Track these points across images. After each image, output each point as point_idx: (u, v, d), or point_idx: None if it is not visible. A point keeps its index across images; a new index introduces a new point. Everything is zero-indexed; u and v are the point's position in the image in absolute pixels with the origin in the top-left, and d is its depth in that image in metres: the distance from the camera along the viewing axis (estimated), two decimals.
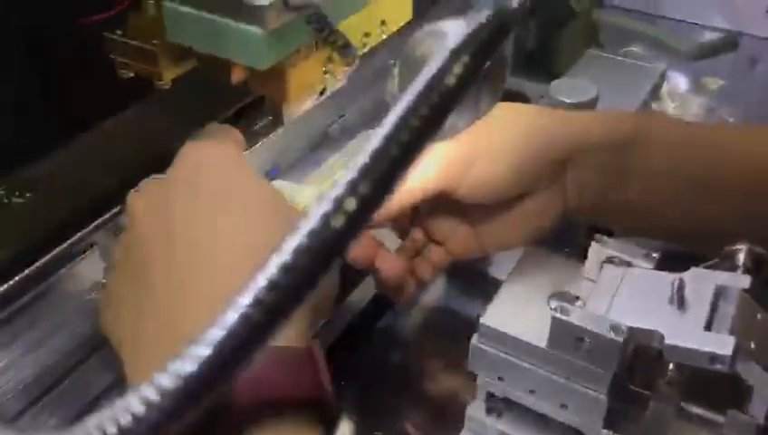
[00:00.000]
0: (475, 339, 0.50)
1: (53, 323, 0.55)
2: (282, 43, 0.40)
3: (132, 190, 0.46)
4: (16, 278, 0.54)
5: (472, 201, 0.52)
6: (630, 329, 0.44)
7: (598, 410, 0.47)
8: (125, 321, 0.41)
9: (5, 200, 0.53)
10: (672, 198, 0.53)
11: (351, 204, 0.16)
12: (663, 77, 0.79)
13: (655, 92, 0.78)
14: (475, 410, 0.52)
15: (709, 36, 1.01)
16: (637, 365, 0.50)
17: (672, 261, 0.51)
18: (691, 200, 0.53)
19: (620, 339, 0.44)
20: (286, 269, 0.17)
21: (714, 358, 0.42)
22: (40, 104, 0.58)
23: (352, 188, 0.16)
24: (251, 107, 0.62)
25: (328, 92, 0.52)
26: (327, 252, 0.17)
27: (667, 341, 0.44)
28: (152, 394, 0.18)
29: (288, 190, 0.54)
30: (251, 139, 0.59)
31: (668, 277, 0.47)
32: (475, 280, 0.68)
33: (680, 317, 0.45)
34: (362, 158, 0.16)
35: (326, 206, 0.16)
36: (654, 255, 0.50)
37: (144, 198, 0.44)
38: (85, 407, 0.56)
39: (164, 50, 0.45)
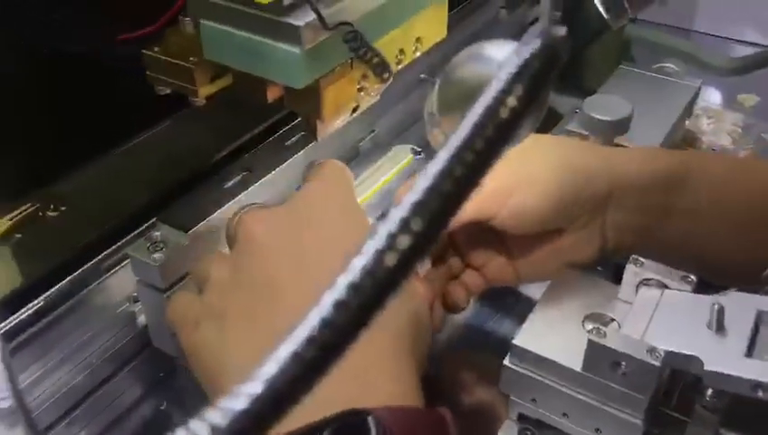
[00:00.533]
0: (507, 360, 0.50)
1: (86, 336, 0.55)
2: (318, 61, 0.40)
3: (235, 214, 0.49)
4: (50, 291, 0.54)
5: (509, 230, 0.51)
6: (668, 353, 0.44)
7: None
8: (233, 336, 0.42)
9: (40, 214, 0.53)
10: (712, 235, 0.53)
11: (405, 241, 0.16)
12: (697, 93, 0.78)
13: (689, 109, 0.77)
14: (507, 432, 0.51)
15: (743, 51, 1.00)
16: (674, 389, 0.49)
17: (709, 284, 0.50)
18: (731, 237, 0.52)
19: (658, 363, 0.43)
20: (339, 307, 0.16)
21: (757, 386, 0.41)
22: (74, 119, 0.58)
23: (405, 224, 0.16)
24: (284, 121, 0.62)
25: (361, 109, 0.51)
26: (380, 290, 0.16)
27: (707, 367, 0.43)
28: (203, 432, 0.18)
29: None
30: (283, 153, 0.59)
31: (706, 300, 0.46)
32: (507, 298, 0.67)
33: (720, 342, 0.44)
34: (416, 194, 0.16)
35: (379, 243, 0.16)
36: (691, 277, 0.49)
37: (266, 224, 0.45)
38: (114, 421, 0.56)
39: (200, 67, 0.45)
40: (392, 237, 0.16)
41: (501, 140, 0.16)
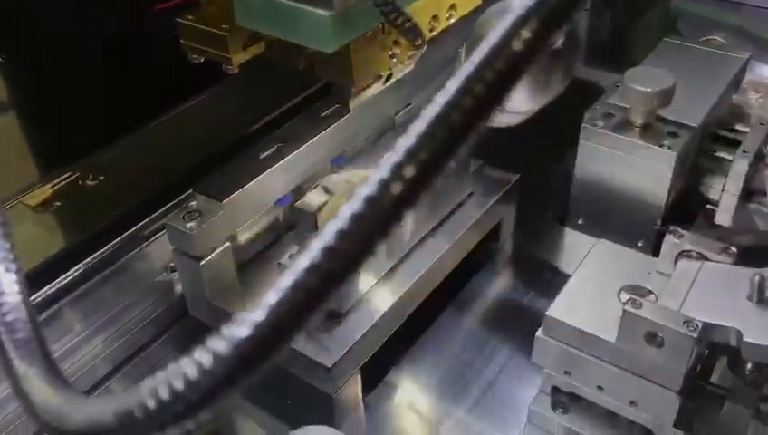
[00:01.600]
0: (540, 332, 0.49)
1: (123, 304, 0.57)
2: (348, 25, 0.40)
3: None
4: (89, 259, 0.55)
5: None
6: (706, 325, 0.43)
7: (669, 408, 0.45)
8: None
9: (79, 183, 0.54)
10: None
11: (410, 171, 0.16)
12: (745, 66, 0.75)
13: (737, 83, 0.75)
14: (539, 405, 0.51)
15: None
16: (713, 364, 0.48)
17: (751, 257, 0.49)
18: None
19: (695, 335, 0.42)
20: (341, 235, 0.16)
21: None
22: (114, 91, 0.59)
23: (410, 155, 0.16)
24: (318, 94, 0.62)
25: (394, 78, 0.51)
26: (383, 219, 0.16)
27: (746, 338, 0.42)
28: (206, 359, 0.18)
29: (353, 176, 0.54)
30: (318, 125, 0.59)
31: (748, 273, 0.45)
32: (544, 274, 0.66)
33: (760, 314, 0.43)
34: (422, 123, 0.16)
35: (384, 173, 0.16)
36: (732, 249, 0.48)
37: None
38: None
39: (233, 35, 0.45)
40: (398, 167, 0.16)
41: (513, 71, 0.15)
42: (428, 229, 0.59)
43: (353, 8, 0.40)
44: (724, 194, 0.69)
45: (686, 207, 0.71)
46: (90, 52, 0.59)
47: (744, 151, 0.67)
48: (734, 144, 0.70)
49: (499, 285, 0.66)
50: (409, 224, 0.54)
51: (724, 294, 0.45)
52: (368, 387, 0.56)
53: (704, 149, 0.73)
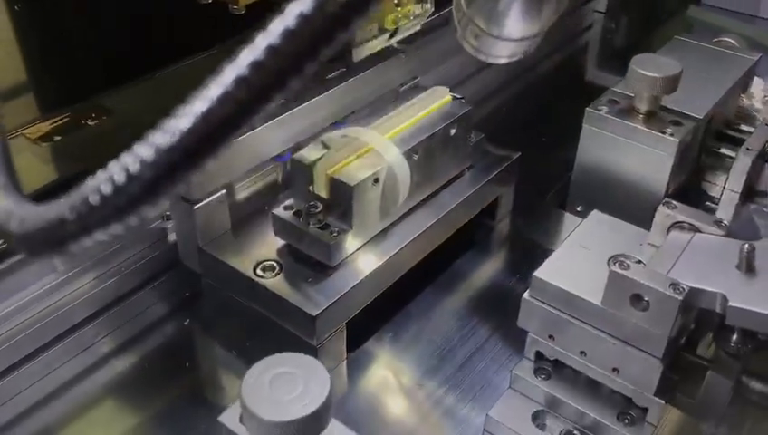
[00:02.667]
0: (527, 294, 0.49)
1: (117, 245, 0.57)
2: None
3: None
4: None
5: None
6: (692, 289, 0.42)
7: (651, 376, 0.45)
8: None
9: (81, 121, 0.55)
10: None
11: None
12: (754, 68, 0.75)
13: (744, 83, 0.75)
14: (522, 370, 0.51)
15: None
16: (697, 338, 0.48)
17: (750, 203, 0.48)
18: None
19: (680, 297, 0.42)
20: (270, 51, 0.17)
21: None
22: (126, 38, 0.60)
23: None
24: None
25: (401, 36, 0.51)
26: (314, 39, 0.17)
27: (731, 303, 0.41)
28: (147, 152, 0.19)
29: (351, 132, 0.54)
30: (325, 86, 0.59)
31: (738, 245, 0.45)
32: (537, 258, 0.66)
33: (747, 283, 0.43)
34: None
35: None
36: (724, 222, 0.48)
37: None
38: (139, 334, 0.57)
39: None
40: None
41: None
42: (423, 196, 0.59)
43: None
44: (726, 191, 0.69)
45: (687, 204, 0.71)
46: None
47: (747, 149, 0.67)
48: (738, 143, 0.70)
49: (490, 264, 0.65)
50: (404, 188, 0.54)
51: (713, 263, 0.45)
52: (348, 351, 0.56)
53: (707, 146, 0.72)
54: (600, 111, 0.66)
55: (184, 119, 0.18)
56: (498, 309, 0.60)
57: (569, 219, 0.70)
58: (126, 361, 0.55)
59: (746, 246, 0.43)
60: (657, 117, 0.65)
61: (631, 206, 0.66)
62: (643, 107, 0.65)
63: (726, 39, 0.80)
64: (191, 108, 0.18)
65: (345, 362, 0.55)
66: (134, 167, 0.19)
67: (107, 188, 0.19)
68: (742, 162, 0.66)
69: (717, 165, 0.72)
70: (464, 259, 0.65)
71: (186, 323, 0.58)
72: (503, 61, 0.36)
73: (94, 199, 0.19)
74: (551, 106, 0.88)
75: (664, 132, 0.63)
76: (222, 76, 0.18)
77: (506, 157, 0.65)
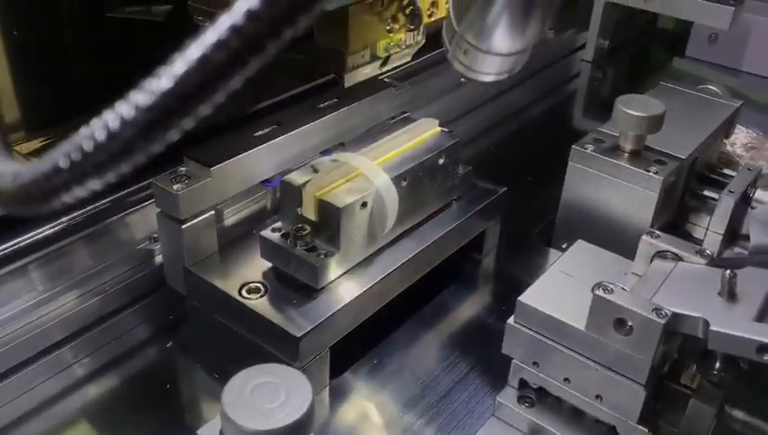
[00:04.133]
0: (511, 319, 0.49)
1: (102, 265, 0.57)
2: None
3: None
4: (72, 215, 0.56)
5: None
6: (674, 314, 0.43)
7: (634, 402, 0.45)
8: None
9: None
10: None
11: None
12: (736, 114, 0.77)
13: (727, 128, 0.77)
14: (506, 398, 0.50)
15: None
16: (680, 366, 0.48)
17: (727, 261, 0.49)
18: None
19: (663, 321, 0.42)
20: (250, 16, 0.17)
21: (762, 347, 0.40)
22: (119, 59, 0.61)
23: None
24: (320, 87, 0.64)
25: (392, 65, 0.52)
26: (293, 5, 0.17)
27: (713, 327, 0.42)
28: (127, 110, 0.19)
29: (341, 157, 0.55)
30: (314, 114, 0.60)
31: (720, 272, 0.45)
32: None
33: (729, 308, 0.43)
34: None
35: None
36: (708, 251, 0.48)
37: None
38: (120, 356, 0.57)
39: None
40: None
41: None
42: (411, 225, 0.60)
43: None
44: (709, 233, 0.69)
45: None
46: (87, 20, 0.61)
47: (729, 192, 0.68)
48: (720, 186, 0.71)
49: (475, 297, 0.65)
50: (392, 214, 0.55)
51: (695, 290, 0.45)
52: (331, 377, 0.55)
53: (691, 188, 0.74)
54: (585, 149, 0.67)
55: (178, 64, 0.19)
56: (482, 341, 0.60)
57: (554, 256, 0.70)
58: (106, 383, 0.54)
59: (728, 272, 0.44)
60: (641, 156, 0.66)
61: (616, 243, 0.66)
62: (628, 146, 0.66)
63: (710, 87, 0.82)
64: (186, 55, 0.19)
65: (328, 387, 0.55)
66: (128, 113, 0.19)
67: (101, 135, 0.20)
68: (724, 204, 0.67)
69: (701, 207, 0.74)
70: (450, 291, 0.65)
71: (168, 345, 0.57)
72: (491, 78, 0.37)
73: (88, 146, 0.20)
74: (537, 147, 0.90)
75: (648, 171, 0.64)
76: (216, 26, 0.19)
77: (493, 191, 0.66)
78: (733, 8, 0.92)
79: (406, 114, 0.69)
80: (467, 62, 0.37)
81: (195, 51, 0.19)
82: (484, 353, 0.58)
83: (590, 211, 0.68)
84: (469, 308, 0.63)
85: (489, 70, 0.37)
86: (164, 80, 0.19)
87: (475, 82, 0.89)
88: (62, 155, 0.20)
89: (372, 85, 0.65)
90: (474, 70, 0.37)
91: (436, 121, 0.62)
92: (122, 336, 0.57)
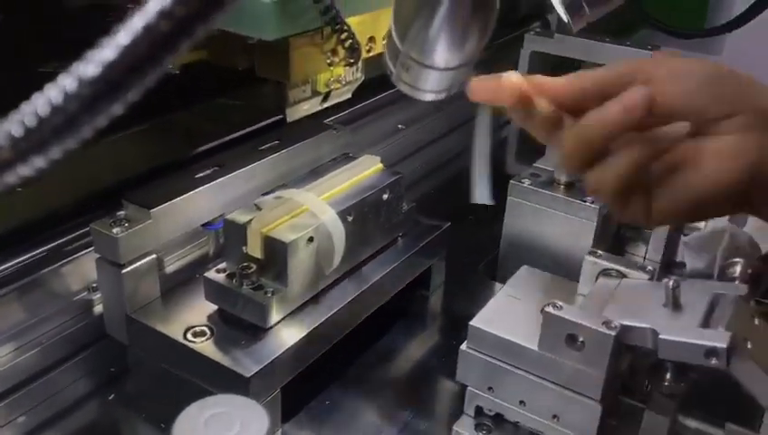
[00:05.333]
0: (464, 345, 0.49)
1: (38, 317, 0.54)
2: (288, 16, 0.42)
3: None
4: (5, 265, 0.54)
5: (659, 100, 0.45)
6: (624, 326, 0.43)
7: (591, 420, 0.45)
8: None
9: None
10: None
11: None
12: None
13: None
14: (463, 427, 0.50)
15: None
16: (632, 381, 0.49)
17: (669, 274, 0.50)
18: None
19: (613, 333, 0.43)
20: None
21: (710, 351, 0.41)
22: None
23: None
24: (261, 131, 0.64)
25: (333, 101, 0.53)
26: None
27: (662, 336, 0.42)
28: (71, 84, 0.19)
29: (284, 194, 0.54)
30: (255, 155, 0.60)
31: (663, 286, 0.46)
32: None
33: (675, 318, 0.44)
34: None
35: None
36: (650, 267, 0.49)
37: None
38: (56, 415, 0.54)
39: None
40: None
41: None
42: (358, 261, 0.59)
43: (294, 2, 0.42)
44: (646, 262, 0.71)
45: None
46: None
47: None
48: None
49: (425, 333, 0.65)
50: (339, 249, 0.54)
51: (642, 303, 0.46)
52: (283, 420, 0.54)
53: None
54: (522, 183, 0.68)
55: (122, 34, 0.19)
56: (435, 375, 0.59)
57: (500, 289, 0.70)
58: None
59: (671, 282, 0.45)
60: (576, 187, 0.68)
61: (558, 272, 0.68)
62: (563, 178, 0.68)
63: None
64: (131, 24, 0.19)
65: (280, 430, 0.53)
66: (71, 86, 0.19)
67: (44, 110, 0.19)
68: (659, 233, 0.69)
69: (637, 237, 0.76)
70: (400, 327, 0.64)
71: (110, 398, 0.55)
72: (432, 96, 0.38)
73: (30, 122, 0.19)
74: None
75: (584, 201, 0.66)
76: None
77: (437, 226, 0.66)
78: (650, 52, 0.97)
79: (347, 154, 0.70)
80: (411, 81, 0.37)
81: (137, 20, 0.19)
82: (438, 386, 0.57)
83: (531, 243, 0.69)
84: (420, 343, 0.63)
85: (431, 87, 0.38)
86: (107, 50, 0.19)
87: (413, 127, 0.91)
88: (2, 134, 0.20)
89: (314, 127, 0.65)
90: (417, 88, 0.38)
91: (378, 159, 0.62)
92: (62, 391, 0.55)
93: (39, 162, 0.20)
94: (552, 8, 1.06)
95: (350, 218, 0.56)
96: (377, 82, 0.65)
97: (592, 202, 0.65)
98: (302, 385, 0.54)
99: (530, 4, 1.16)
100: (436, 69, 0.35)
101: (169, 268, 0.58)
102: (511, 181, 0.69)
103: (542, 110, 0.41)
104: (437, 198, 0.88)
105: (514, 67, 1.06)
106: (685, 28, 0.97)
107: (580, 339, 0.44)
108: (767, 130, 0.46)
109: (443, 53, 0.35)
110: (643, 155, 0.43)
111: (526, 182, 0.68)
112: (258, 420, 0.35)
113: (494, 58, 1.08)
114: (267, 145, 0.62)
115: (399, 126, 0.89)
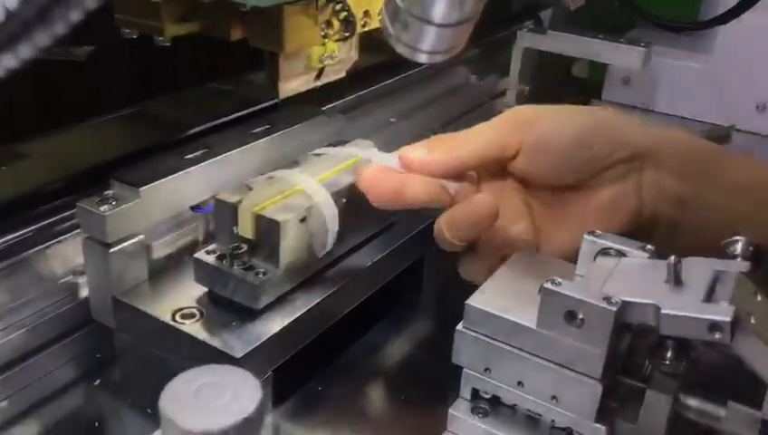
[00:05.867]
0: (460, 325, 0.48)
1: (21, 300, 0.53)
2: None
3: None
4: None
5: (531, 171, 0.47)
6: (624, 302, 0.42)
7: (591, 400, 0.44)
8: None
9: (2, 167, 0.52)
10: (749, 213, 0.51)
11: None
12: None
13: None
14: (458, 410, 0.49)
15: (701, 129, 1.04)
16: (633, 361, 0.48)
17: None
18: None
19: (614, 309, 0.41)
20: None
21: (713, 326, 0.40)
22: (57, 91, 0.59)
23: None
24: (253, 115, 0.64)
25: (326, 79, 0.52)
26: None
27: (664, 311, 0.41)
28: None
29: (276, 174, 0.53)
30: (246, 139, 0.59)
31: (664, 263, 0.46)
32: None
33: (677, 293, 0.43)
34: None
35: None
36: (650, 247, 0.48)
37: None
38: (40, 401, 0.52)
39: (168, 4, 0.46)
40: None
41: None
42: (352, 244, 0.58)
43: None
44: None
45: None
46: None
47: None
48: None
49: (419, 321, 0.64)
50: (332, 230, 0.53)
51: (642, 280, 0.45)
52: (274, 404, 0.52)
53: None
54: None
55: None
56: (429, 361, 0.58)
57: None
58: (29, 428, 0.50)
59: (672, 258, 0.44)
60: None
61: None
62: None
63: None
64: None
65: (270, 416, 0.52)
66: None
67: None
68: None
69: None
70: (392, 316, 0.63)
71: (96, 383, 0.53)
72: (428, 58, 0.37)
73: None
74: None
75: None
76: None
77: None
78: (644, 49, 0.97)
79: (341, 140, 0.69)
80: (410, 41, 0.37)
81: None
82: (431, 371, 0.56)
83: None
84: (415, 329, 0.62)
85: (431, 46, 0.37)
86: None
87: (405, 121, 0.90)
88: None
89: (305, 112, 0.64)
90: (416, 48, 0.37)
91: (371, 143, 0.61)
92: (45, 377, 0.53)
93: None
94: (544, 5, 1.07)
95: (343, 201, 0.55)
96: (372, 71, 0.64)
97: None
98: (294, 370, 0.52)
99: (522, 2, 1.16)
100: (436, 25, 0.35)
101: (158, 251, 0.57)
102: None
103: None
104: None
105: (508, 64, 1.06)
106: (677, 22, 0.97)
107: (580, 316, 0.43)
108: (643, 170, 0.49)
109: (443, 7, 0.34)
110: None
111: None
112: (251, 389, 0.33)
113: (487, 55, 1.09)
114: (258, 129, 0.61)
115: (392, 119, 0.88)
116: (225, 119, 0.63)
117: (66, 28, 0.19)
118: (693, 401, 0.45)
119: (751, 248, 0.46)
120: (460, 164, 0.47)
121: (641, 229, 0.50)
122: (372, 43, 0.55)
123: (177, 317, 0.50)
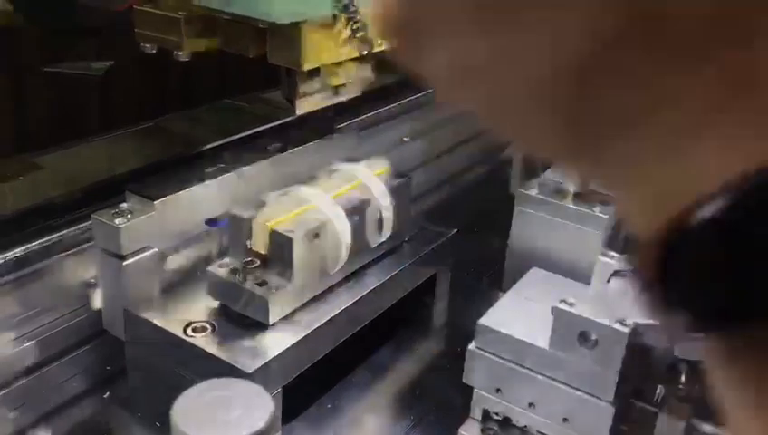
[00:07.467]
0: (472, 344, 0.48)
1: (34, 310, 0.53)
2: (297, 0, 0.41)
3: None
4: (5, 255, 0.52)
5: None
6: (638, 324, 0.42)
7: (603, 422, 0.44)
8: None
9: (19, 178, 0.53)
10: None
11: None
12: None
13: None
14: (469, 430, 0.48)
15: None
16: (645, 386, 0.47)
17: None
18: None
19: (627, 331, 0.41)
20: None
21: None
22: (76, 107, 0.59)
23: None
24: (269, 132, 0.64)
25: (342, 97, 0.52)
26: None
27: None
28: None
29: (292, 190, 0.53)
30: (263, 156, 0.60)
31: None
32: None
33: None
34: None
35: None
36: None
37: None
38: (49, 412, 0.52)
39: (188, 21, 0.46)
40: None
41: None
42: (364, 262, 0.58)
43: None
44: None
45: None
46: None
47: None
48: None
49: (430, 340, 0.64)
50: (345, 246, 0.53)
51: None
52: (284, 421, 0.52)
53: None
54: (530, 192, 0.67)
55: None
56: (440, 382, 0.58)
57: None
58: None
59: None
60: (584, 197, 0.67)
61: None
62: (571, 188, 0.67)
63: None
64: None
65: (280, 432, 0.51)
66: None
67: None
68: None
69: None
70: (404, 333, 0.63)
71: (105, 396, 0.53)
72: None
73: None
74: (480, 202, 0.91)
75: (593, 210, 0.65)
76: None
77: (443, 232, 0.66)
78: None
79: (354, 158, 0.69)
80: None
81: None
82: (443, 392, 0.56)
83: (538, 252, 0.67)
84: (424, 350, 0.62)
85: None
86: None
87: (418, 140, 0.90)
88: None
89: (320, 130, 0.65)
90: None
91: (385, 161, 0.61)
92: (56, 387, 0.53)
93: None
94: None
95: (356, 219, 0.55)
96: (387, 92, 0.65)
97: (601, 211, 0.65)
98: (304, 388, 0.52)
99: None
100: None
101: (171, 264, 0.57)
102: (518, 190, 0.68)
103: None
104: (441, 211, 0.87)
105: None
106: None
107: (593, 337, 0.43)
108: None
109: None
110: None
111: (533, 192, 0.67)
112: (262, 404, 0.33)
113: None
114: (273, 146, 0.62)
115: (405, 138, 0.89)
116: (240, 135, 0.64)
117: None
118: (706, 427, 0.44)
119: None
120: None
121: None
122: (388, 62, 0.55)
123: (189, 331, 0.50)
